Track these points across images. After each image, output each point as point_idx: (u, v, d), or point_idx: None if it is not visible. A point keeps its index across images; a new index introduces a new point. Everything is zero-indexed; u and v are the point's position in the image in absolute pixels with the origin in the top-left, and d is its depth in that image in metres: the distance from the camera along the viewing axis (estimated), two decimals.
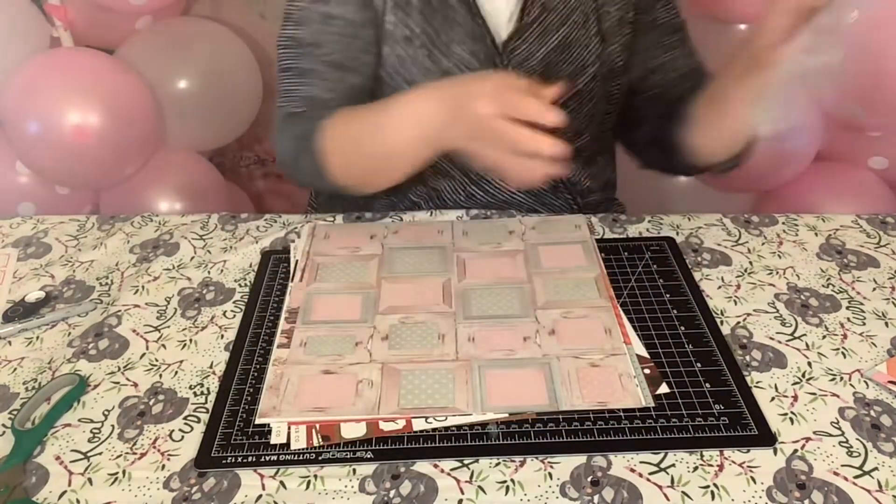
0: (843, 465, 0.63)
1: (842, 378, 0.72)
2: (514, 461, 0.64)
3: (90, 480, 0.64)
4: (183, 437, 0.67)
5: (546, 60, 0.92)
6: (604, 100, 0.98)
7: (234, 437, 0.67)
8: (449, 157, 0.97)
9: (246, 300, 0.84)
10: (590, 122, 0.98)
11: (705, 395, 0.69)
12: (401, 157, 0.81)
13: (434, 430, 0.66)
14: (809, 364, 0.73)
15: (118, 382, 0.74)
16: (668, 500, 0.60)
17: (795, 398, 0.69)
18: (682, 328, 0.77)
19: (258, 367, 0.74)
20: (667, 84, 0.99)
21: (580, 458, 0.64)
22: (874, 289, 0.83)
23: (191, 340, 0.79)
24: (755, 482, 0.62)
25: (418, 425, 0.67)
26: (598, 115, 0.98)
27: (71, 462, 0.65)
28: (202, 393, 0.72)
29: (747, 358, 0.74)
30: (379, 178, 0.86)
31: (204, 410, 0.70)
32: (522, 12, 0.90)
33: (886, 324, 0.78)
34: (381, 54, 0.92)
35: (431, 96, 0.77)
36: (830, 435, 0.66)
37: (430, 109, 0.77)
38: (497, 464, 0.64)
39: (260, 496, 0.62)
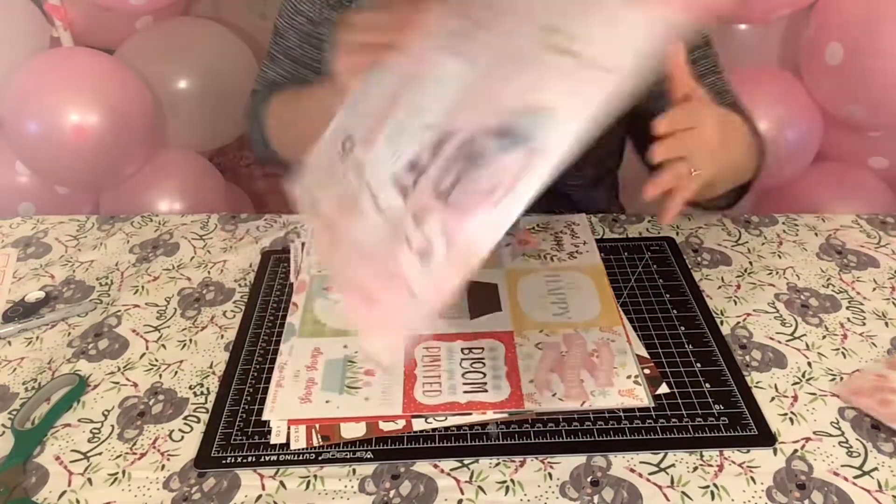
0: (842, 466, 0.63)
1: (842, 378, 0.71)
2: (514, 461, 0.64)
3: (90, 480, 0.64)
4: (183, 437, 0.67)
5: None
6: (602, 144, 0.94)
7: (233, 437, 0.67)
8: None
9: (246, 300, 0.84)
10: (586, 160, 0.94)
11: (705, 395, 0.69)
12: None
13: (434, 430, 0.66)
14: (809, 364, 0.73)
15: (118, 382, 0.74)
16: (667, 500, 0.60)
17: (795, 398, 0.69)
18: (682, 328, 0.77)
19: (258, 367, 0.74)
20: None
21: (580, 459, 0.64)
22: (874, 289, 0.83)
23: (191, 340, 0.79)
24: (755, 482, 0.62)
25: (418, 425, 0.67)
26: (593, 157, 0.95)
27: (71, 462, 0.65)
28: (202, 393, 0.72)
29: (747, 358, 0.74)
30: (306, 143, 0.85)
31: (204, 410, 0.70)
32: None
33: (886, 324, 0.78)
34: None
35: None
36: (830, 435, 0.66)
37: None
38: (497, 464, 0.64)
39: (260, 496, 0.62)
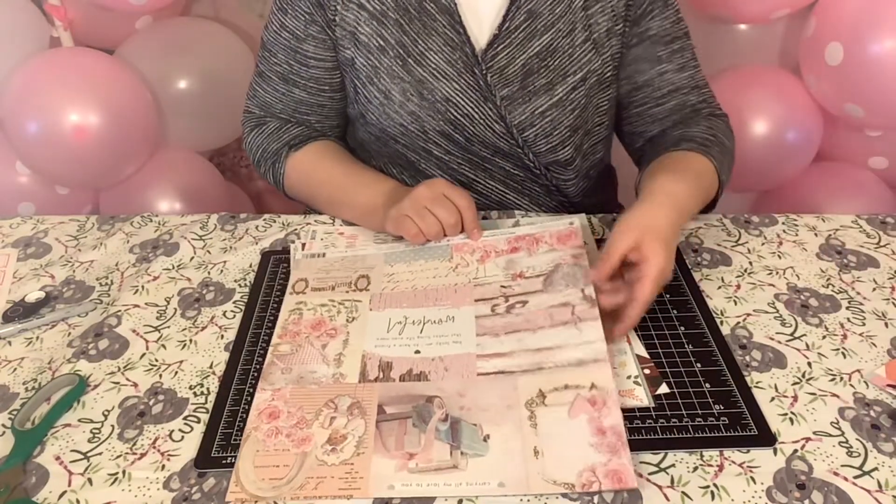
0: (842, 466, 0.63)
1: (841, 378, 0.72)
2: None
3: (90, 481, 0.64)
4: (183, 437, 0.67)
5: (526, 67, 0.90)
6: (591, 111, 0.96)
7: (234, 437, 0.67)
8: (439, 166, 0.97)
9: (246, 300, 0.84)
10: (573, 133, 0.95)
11: (705, 395, 0.69)
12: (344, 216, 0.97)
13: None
14: (809, 364, 0.73)
15: (118, 382, 0.74)
16: (667, 500, 0.60)
17: (795, 398, 0.69)
18: (682, 328, 0.77)
19: (258, 367, 0.74)
20: (651, 101, 0.96)
21: None
22: (874, 289, 0.83)
23: (191, 340, 0.79)
24: (755, 482, 0.62)
25: None
26: (583, 126, 0.96)
27: (71, 462, 0.65)
28: (202, 393, 0.72)
29: (747, 358, 0.74)
30: (325, 209, 0.99)
31: (204, 410, 0.70)
32: (505, 17, 0.89)
33: (886, 324, 0.78)
34: (356, 65, 0.94)
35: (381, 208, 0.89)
36: (830, 435, 0.66)
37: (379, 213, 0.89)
38: None
39: None
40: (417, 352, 0.74)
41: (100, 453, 0.66)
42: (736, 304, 0.81)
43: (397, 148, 0.98)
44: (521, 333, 0.75)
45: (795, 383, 0.71)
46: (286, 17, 0.94)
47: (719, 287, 0.84)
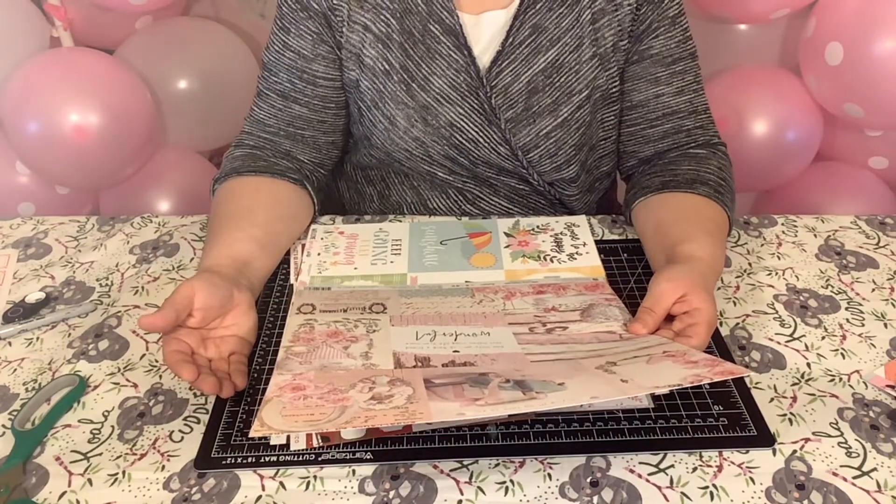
0: (842, 466, 0.63)
1: (841, 379, 0.72)
2: (513, 462, 0.64)
3: (90, 481, 0.64)
4: (183, 437, 0.68)
5: (531, 85, 0.89)
6: (596, 127, 0.95)
7: (233, 437, 0.67)
8: (442, 185, 0.97)
9: None
10: (578, 151, 0.94)
11: (704, 395, 0.69)
12: None
13: (434, 430, 0.66)
14: (808, 365, 0.73)
15: (118, 383, 0.74)
16: (667, 500, 0.61)
17: (794, 399, 0.70)
18: None
19: (258, 367, 0.74)
20: (645, 122, 0.95)
21: (579, 459, 0.64)
22: (873, 290, 0.83)
23: None
24: (754, 483, 0.62)
25: (418, 426, 0.67)
26: (588, 143, 0.95)
27: (71, 462, 0.66)
28: (202, 394, 0.72)
29: (746, 359, 0.74)
30: None
31: (204, 411, 0.70)
32: (509, 32, 0.88)
33: (885, 325, 0.78)
34: (360, 87, 0.93)
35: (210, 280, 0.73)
36: (829, 436, 0.66)
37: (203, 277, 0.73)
38: (496, 464, 0.64)
39: (259, 497, 0.62)
40: (456, 351, 0.71)
41: (100, 454, 0.66)
42: (735, 304, 0.81)
43: (402, 169, 0.98)
44: (569, 345, 0.71)
45: (795, 384, 0.71)
46: (289, 37, 0.92)
47: (718, 288, 0.84)
